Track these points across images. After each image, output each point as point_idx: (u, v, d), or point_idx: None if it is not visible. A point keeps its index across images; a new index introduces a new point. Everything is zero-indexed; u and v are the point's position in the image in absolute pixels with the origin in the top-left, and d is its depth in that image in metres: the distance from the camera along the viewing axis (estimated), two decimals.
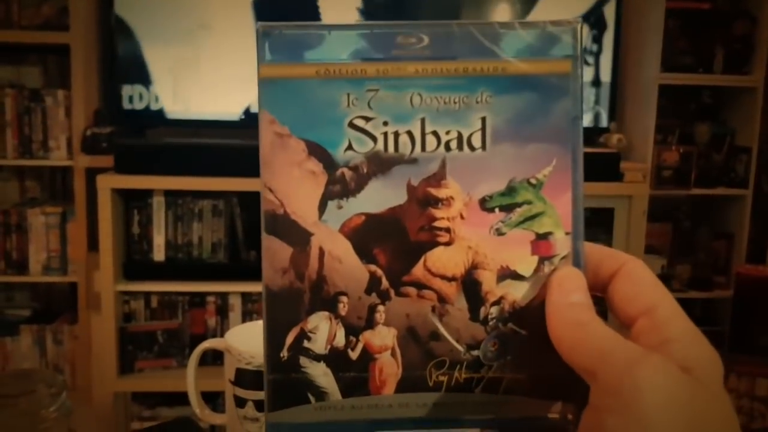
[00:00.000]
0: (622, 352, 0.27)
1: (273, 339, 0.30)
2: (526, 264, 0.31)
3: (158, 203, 1.97)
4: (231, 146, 1.92)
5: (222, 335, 2.20)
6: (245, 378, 0.60)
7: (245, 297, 2.01)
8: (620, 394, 0.26)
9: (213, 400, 0.68)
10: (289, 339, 0.30)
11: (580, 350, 0.28)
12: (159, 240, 1.97)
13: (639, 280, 0.30)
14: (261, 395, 0.59)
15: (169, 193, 1.97)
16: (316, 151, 0.30)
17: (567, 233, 0.31)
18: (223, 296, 2.00)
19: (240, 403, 0.61)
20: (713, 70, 2.30)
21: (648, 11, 2.19)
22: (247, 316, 2.00)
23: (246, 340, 0.62)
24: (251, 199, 2.00)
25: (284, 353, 0.30)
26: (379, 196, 0.30)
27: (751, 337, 2.18)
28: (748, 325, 2.21)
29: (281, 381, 0.30)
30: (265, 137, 0.30)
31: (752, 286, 2.23)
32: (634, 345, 0.27)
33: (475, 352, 0.31)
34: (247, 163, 1.83)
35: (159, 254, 1.98)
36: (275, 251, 0.30)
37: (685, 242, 2.41)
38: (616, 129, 2.22)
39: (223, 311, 2.01)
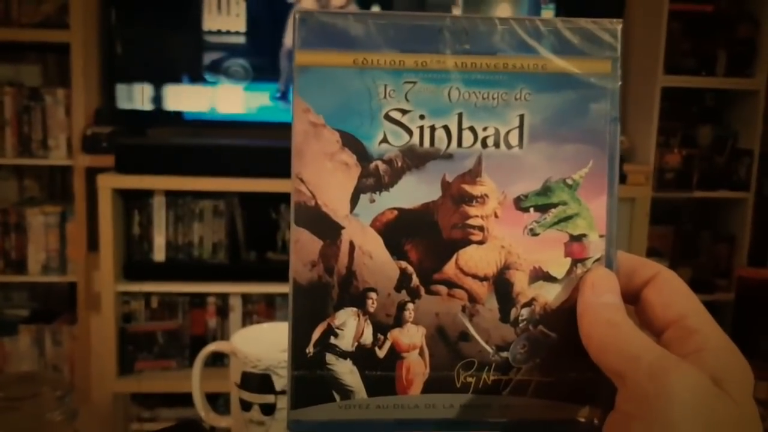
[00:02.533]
0: (653, 358, 0.26)
1: (299, 334, 0.30)
2: (558, 266, 0.30)
3: (159, 203, 1.96)
4: (232, 146, 1.91)
5: (222, 336, 2.17)
6: (251, 381, 0.60)
7: (245, 298, 2.00)
8: (648, 401, 0.26)
9: (213, 400, 0.67)
10: (316, 335, 0.30)
11: (610, 351, 0.28)
12: (159, 240, 1.97)
13: (673, 289, 0.30)
14: (267, 399, 0.59)
15: (169, 193, 1.96)
16: (351, 142, 0.29)
17: (601, 236, 0.30)
18: (224, 297, 2.00)
19: (246, 406, 0.60)
20: (716, 72, 2.30)
21: (651, 13, 2.19)
22: (247, 318, 1.99)
23: (252, 343, 0.61)
24: (252, 200, 2.00)
25: (310, 349, 0.30)
26: (413, 191, 0.30)
27: (752, 340, 2.18)
28: (750, 328, 2.22)
29: (305, 378, 0.30)
30: (299, 126, 0.29)
31: (754, 289, 2.24)
32: (666, 351, 0.27)
33: (504, 354, 0.30)
34: (249, 163, 1.84)
35: (159, 254, 1.97)
36: (304, 244, 0.29)
37: (686, 245, 2.41)
38: None
39: (223, 312, 2.01)
